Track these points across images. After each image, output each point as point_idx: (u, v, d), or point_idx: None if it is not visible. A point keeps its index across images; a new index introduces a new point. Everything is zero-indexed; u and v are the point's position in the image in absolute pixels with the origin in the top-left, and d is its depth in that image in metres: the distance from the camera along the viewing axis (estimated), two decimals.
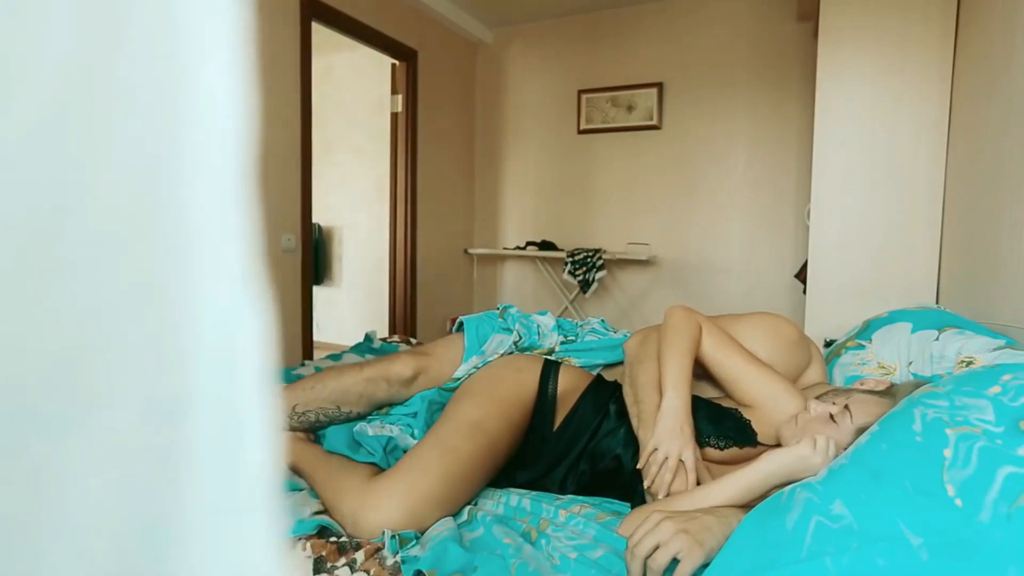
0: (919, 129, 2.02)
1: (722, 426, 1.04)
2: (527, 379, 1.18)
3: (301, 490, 1.05)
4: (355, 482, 0.98)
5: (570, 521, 0.95)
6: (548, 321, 1.45)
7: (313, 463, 1.09)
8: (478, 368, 1.26)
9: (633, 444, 1.07)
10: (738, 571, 0.61)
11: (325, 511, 0.97)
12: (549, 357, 1.31)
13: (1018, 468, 0.46)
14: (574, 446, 1.11)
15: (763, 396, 1.05)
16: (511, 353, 1.32)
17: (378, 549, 0.86)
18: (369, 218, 4.32)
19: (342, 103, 4.38)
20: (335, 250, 4.49)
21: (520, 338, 1.36)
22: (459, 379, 1.26)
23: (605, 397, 1.16)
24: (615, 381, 1.24)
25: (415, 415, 1.23)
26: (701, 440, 1.03)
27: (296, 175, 2.67)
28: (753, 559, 0.60)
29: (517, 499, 1.04)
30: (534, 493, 1.07)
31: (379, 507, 0.91)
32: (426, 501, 0.93)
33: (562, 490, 1.09)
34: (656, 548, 0.76)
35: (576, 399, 1.17)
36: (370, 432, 1.15)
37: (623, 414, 1.12)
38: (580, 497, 1.06)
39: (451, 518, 0.96)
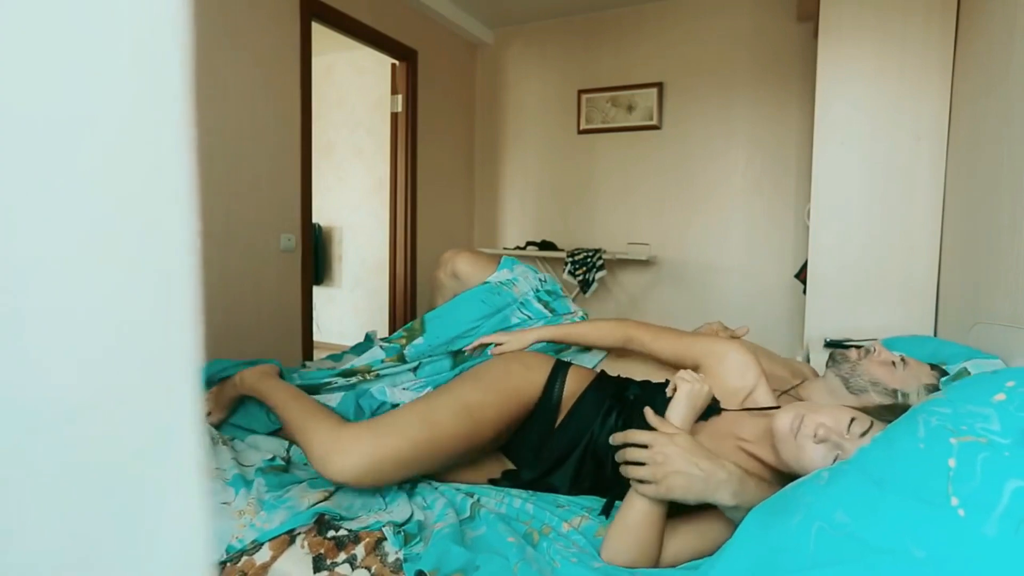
0: (919, 129, 2.01)
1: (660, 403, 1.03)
2: (535, 378, 1.19)
3: (301, 482, 1.04)
4: (331, 423, 1.02)
5: (571, 535, 0.95)
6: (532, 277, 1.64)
7: (283, 397, 1.15)
8: (504, 282, 1.47)
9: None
10: (741, 574, 0.61)
11: (321, 502, 0.97)
12: (561, 358, 1.32)
13: None
14: (576, 445, 1.11)
15: (703, 354, 1.15)
16: (537, 289, 1.51)
17: (379, 541, 0.85)
18: (369, 218, 4.32)
19: (342, 103, 4.38)
20: (335, 250, 4.48)
21: (544, 280, 1.55)
22: (489, 283, 1.47)
23: (606, 394, 1.16)
24: (618, 376, 1.25)
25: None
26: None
27: (296, 175, 2.67)
28: (756, 562, 0.60)
29: (520, 503, 1.04)
30: (536, 497, 1.06)
31: (347, 451, 0.94)
32: (391, 460, 0.96)
33: (575, 489, 1.09)
34: (639, 464, 0.83)
35: (577, 398, 1.17)
36: (388, 395, 1.26)
37: (623, 411, 1.12)
38: (583, 499, 1.07)
39: (454, 514, 0.96)
